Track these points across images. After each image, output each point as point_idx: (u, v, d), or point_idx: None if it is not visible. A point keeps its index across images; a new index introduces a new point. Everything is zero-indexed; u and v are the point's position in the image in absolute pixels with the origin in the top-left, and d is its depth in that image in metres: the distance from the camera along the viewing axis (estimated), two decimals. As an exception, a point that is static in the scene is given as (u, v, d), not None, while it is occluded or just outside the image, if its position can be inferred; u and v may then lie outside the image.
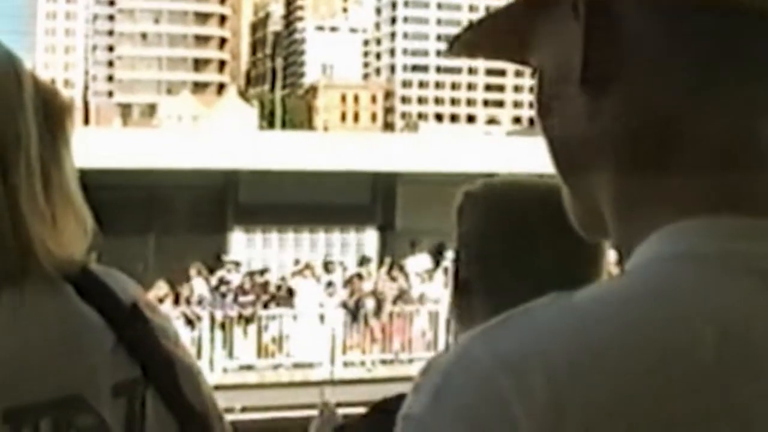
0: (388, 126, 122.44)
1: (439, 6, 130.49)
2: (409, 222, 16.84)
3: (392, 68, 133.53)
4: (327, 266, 16.17)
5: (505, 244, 1.39)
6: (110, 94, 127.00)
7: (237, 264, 15.70)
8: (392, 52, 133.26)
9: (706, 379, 0.60)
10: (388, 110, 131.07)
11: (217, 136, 22.00)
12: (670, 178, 0.69)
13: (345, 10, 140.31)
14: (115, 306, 1.19)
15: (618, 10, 0.69)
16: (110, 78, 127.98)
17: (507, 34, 0.76)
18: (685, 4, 0.68)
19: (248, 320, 14.84)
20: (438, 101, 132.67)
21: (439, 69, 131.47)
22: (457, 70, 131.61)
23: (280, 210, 16.53)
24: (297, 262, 16.38)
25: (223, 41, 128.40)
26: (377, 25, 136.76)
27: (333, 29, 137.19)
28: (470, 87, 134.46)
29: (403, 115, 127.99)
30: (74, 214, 1.18)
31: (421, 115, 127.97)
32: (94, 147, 12.33)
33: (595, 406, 0.59)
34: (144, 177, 14.97)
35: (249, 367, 14.74)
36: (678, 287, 0.64)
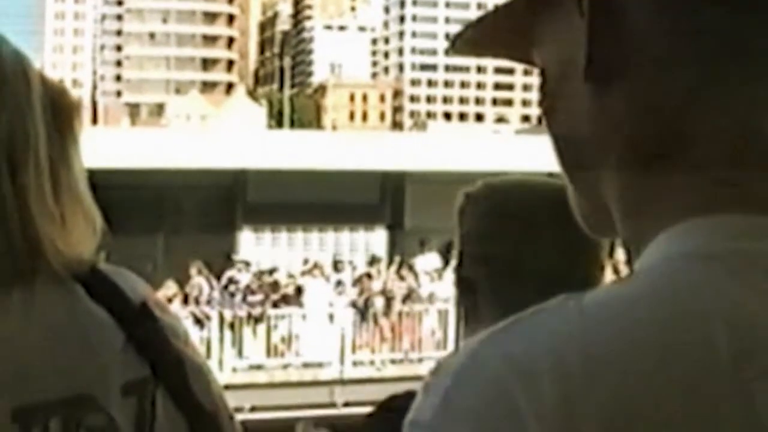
0: (397, 125, 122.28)
1: (448, 4, 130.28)
2: (418, 221, 16.80)
3: (401, 67, 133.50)
4: (336, 265, 16.17)
5: (507, 244, 1.39)
6: (119, 93, 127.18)
7: (247, 264, 15.70)
8: (401, 51, 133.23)
9: (718, 378, 0.60)
10: (397, 109, 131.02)
11: (226, 135, 22.04)
12: (676, 176, 0.68)
13: (353, 8, 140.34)
14: (125, 305, 1.19)
15: (622, 7, 0.69)
16: (118, 78, 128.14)
17: (509, 31, 0.76)
18: None
19: (257, 320, 14.85)
20: (447, 100, 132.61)
21: (447, 68, 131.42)
22: (466, 69, 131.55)
23: (289, 209, 16.52)
24: (306, 261, 16.36)
25: (231, 41, 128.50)
26: (386, 24, 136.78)
27: (341, 28, 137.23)
28: (479, 86, 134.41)
29: (412, 114, 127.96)
30: (83, 213, 1.18)
31: (429, 114, 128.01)
32: (103, 147, 12.37)
33: (606, 408, 0.58)
34: (153, 177, 14.99)
35: (258, 367, 14.74)
36: (687, 287, 0.63)
